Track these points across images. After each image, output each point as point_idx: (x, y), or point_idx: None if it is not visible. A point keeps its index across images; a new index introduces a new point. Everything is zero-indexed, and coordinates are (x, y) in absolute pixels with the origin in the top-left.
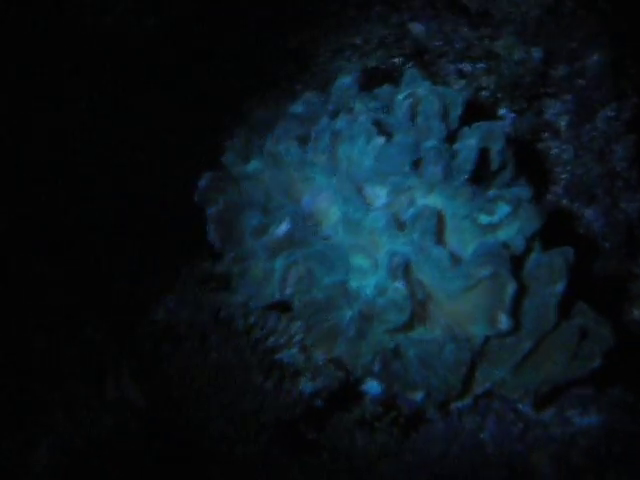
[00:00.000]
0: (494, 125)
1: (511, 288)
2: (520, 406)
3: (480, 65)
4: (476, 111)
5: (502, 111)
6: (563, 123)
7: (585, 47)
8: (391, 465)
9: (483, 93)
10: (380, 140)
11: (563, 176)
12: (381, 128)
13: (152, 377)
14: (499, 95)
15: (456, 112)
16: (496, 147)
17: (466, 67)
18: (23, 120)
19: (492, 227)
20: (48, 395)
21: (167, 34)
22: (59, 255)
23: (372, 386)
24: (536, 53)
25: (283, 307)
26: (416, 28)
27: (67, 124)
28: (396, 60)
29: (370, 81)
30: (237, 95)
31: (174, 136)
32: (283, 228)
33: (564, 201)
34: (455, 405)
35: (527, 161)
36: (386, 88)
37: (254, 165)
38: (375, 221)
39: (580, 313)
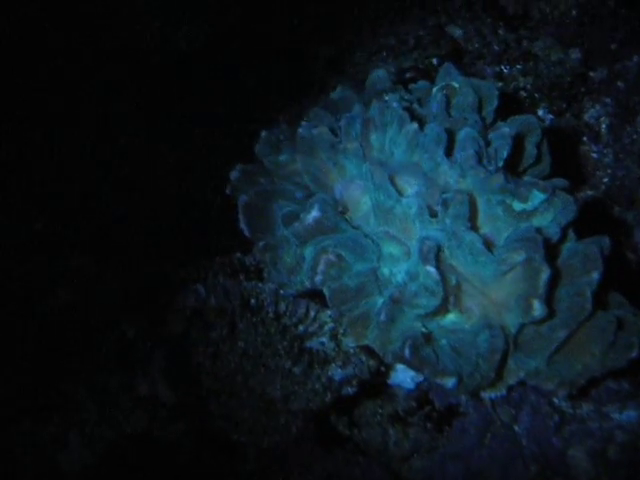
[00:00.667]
0: (530, 118)
1: (545, 274)
2: (556, 400)
3: (518, 67)
4: (514, 112)
5: (540, 112)
6: (603, 126)
7: (625, 48)
8: (425, 460)
9: (521, 94)
10: (413, 127)
11: (604, 180)
12: (414, 117)
13: (183, 370)
14: (537, 96)
15: (492, 105)
16: (532, 140)
17: (504, 69)
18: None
19: (526, 214)
20: (80, 391)
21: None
22: (95, 251)
23: (405, 381)
24: (574, 54)
25: (314, 295)
26: (454, 32)
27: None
28: (433, 60)
29: (406, 79)
30: (275, 103)
31: (212, 139)
32: (313, 214)
33: (605, 205)
34: (488, 395)
35: (566, 163)
36: (421, 83)
37: (286, 155)
38: (407, 208)
39: (616, 304)
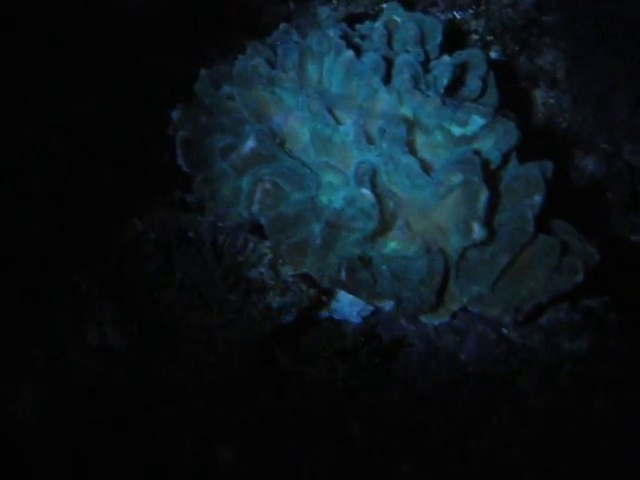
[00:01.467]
0: (475, 51)
1: (483, 195)
2: (505, 330)
3: (470, 12)
4: None
5: (493, 54)
6: (560, 72)
7: None
8: (373, 393)
9: (472, 37)
10: (349, 54)
11: (563, 125)
12: (354, 48)
13: (131, 312)
14: (489, 38)
15: (435, 40)
16: (478, 73)
17: (457, 15)
18: None
19: (466, 139)
20: (30, 343)
21: None
22: (42, 203)
23: (352, 315)
24: None
25: (255, 231)
26: None
27: None
28: (384, 6)
29: (353, 21)
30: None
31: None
32: (249, 144)
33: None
34: (432, 322)
35: (520, 105)
36: (367, 24)
37: (224, 90)
38: (345, 135)
39: (562, 231)
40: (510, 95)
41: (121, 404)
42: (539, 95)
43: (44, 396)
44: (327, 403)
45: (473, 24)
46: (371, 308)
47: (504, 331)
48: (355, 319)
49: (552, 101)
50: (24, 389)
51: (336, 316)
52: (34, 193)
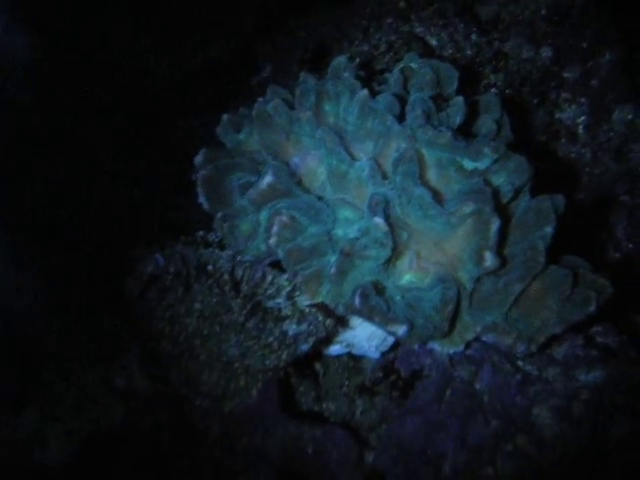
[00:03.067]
0: (490, 95)
1: (495, 225)
2: (520, 362)
3: (489, 67)
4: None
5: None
6: (581, 126)
7: (596, 46)
8: (391, 425)
9: (492, 90)
10: (364, 92)
11: (583, 178)
12: (369, 88)
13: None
14: (507, 92)
15: (452, 87)
16: (492, 115)
17: (477, 70)
18: None
19: (478, 173)
20: (57, 384)
21: None
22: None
23: (370, 350)
24: (545, 52)
25: (274, 265)
26: (428, 39)
27: None
28: None
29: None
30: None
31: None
32: (267, 180)
33: (583, 201)
34: (447, 351)
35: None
36: (385, 75)
37: (245, 132)
38: (360, 171)
39: (573, 263)
40: (528, 147)
41: (146, 444)
42: (559, 148)
43: (71, 442)
44: (346, 436)
45: (492, 78)
46: (389, 343)
47: (518, 362)
48: (373, 354)
49: (573, 155)
50: (51, 435)
51: (354, 351)
52: (58, 229)
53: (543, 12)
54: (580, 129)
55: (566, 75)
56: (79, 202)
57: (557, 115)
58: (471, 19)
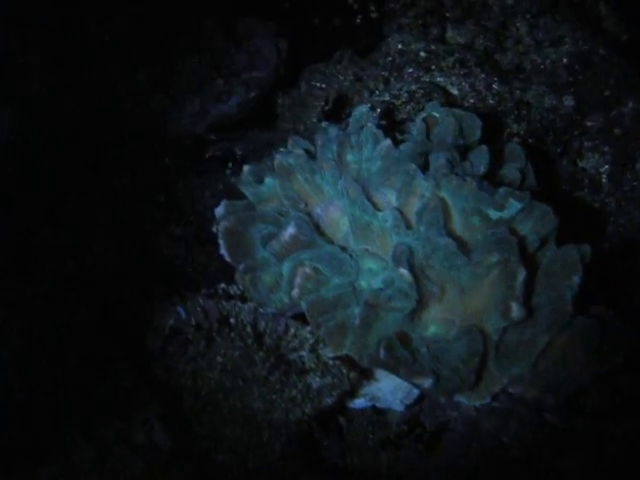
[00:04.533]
0: (514, 145)
1: (521, 275)
2: (548, 415)
3: (512, 117)
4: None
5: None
6: (604, 176)
7: (619, 94)
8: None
9: (514, 140)
10: (387, 142)
11: (608, 227)
12: (392, 137)
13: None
14: (530, 140)
15: (475, 137)
16: (516, 165)
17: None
18: None
19: (503, 223)
20: (76, 439)
21: None
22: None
23: (395, 403)
24: (568, 101)
25: (296, 318)
26: (449, 89)
27: None
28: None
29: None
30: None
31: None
32: (289, 231)
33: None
34: (473, 403)
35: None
36: (408, 124)
37: (267, 183)
38: (383, 221)
39: (600, 312)
40: (552, 196)
41: None
42: (583, 198)
43: None
44: None
45: (515, 127)
46: (414, 395)
47: (546, 414)
48: (398, 407)
49: (597, 204)
50: None
51: (379, 404)
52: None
53: (565, 61)
54: (604, 178)
55: (589, 124)
56: (95, 255)
57: (580, 164)
58: (492, 68)
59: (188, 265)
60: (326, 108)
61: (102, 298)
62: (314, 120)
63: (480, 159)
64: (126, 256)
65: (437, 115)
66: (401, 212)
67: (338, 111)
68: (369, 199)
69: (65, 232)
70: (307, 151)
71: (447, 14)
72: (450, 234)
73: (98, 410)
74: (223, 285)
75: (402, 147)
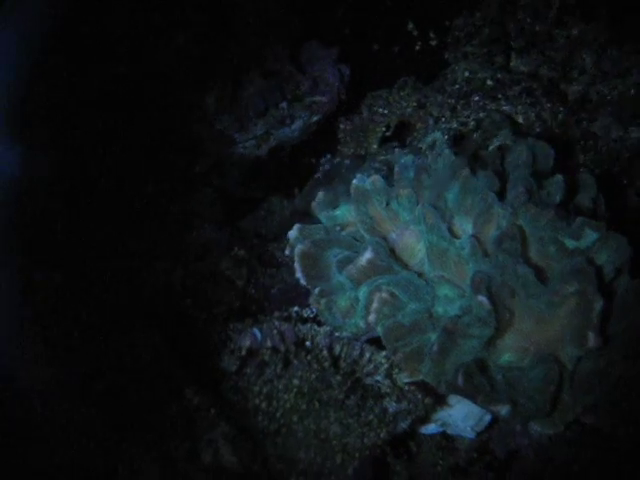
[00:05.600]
0: (586, 174)
1: (598, 305)
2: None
3: (578, 147)
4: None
5: None
6: None
7: None
8: None
9: (581, 170)
10: (466, 170)
11: None
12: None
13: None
14: (597, 171)
15: (547, 165)
16: (588, 194)
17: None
18: None
19: (579, 253)
20: (144, 459)
21: None
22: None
23: (465, 430)
24: (635, 133)
25: (371, 342)
26: (516, 117)
27: None
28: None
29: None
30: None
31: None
32: (366, 256)
33: None
34: (546, 431)
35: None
36: (480, 152)
37: (342, 208)
38: (460, 249)
39: None
40: (620, 226)
41: None
42: None
43: None
44: None
45: (581, 158)
46: (485, 423)
47: (620, 445)
48: (469, 434)
49: None
50: None
51: (449, 431)
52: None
53: (632, 92)
54: None
55: None
56: (162, 277)
57: None
58: (558, 98)
59: (251, 287)
60: (387, 134)
61: (170, 319)
62: (375, 146)
63: (556, 188)
64: (191, 278)
65: (510, 144)
66: (478, 239)
67: (400, 138)
68: (446, 225)
69: (131, 254)
70: (383, 176)
71: (511, 43)
72: (527, 262)
73: (166, 430)
74: (296, 308)
75: (479, 175)
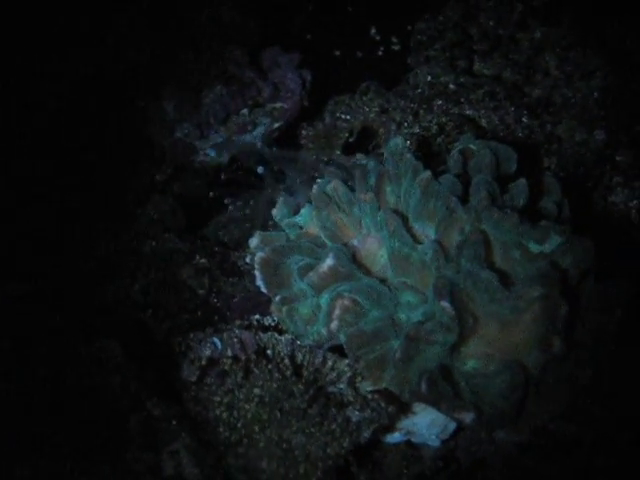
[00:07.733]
0: (550, 177)
1: (563, 310)
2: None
3: (542, 149)
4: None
5: None
6: (634, 210)
7: None
8: None
9: (545, 174)
10: (427, 174)
11: None
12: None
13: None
14: (561, 174)
15: (510, 168)
16: (552, 198)
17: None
18: None
19: (543, 257)
20: (104, 473)
21: None
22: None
23: (430, 438)
24: (599, 135)
25: (333, 350)
26: (479, 121)
27: None
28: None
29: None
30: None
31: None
32: (328, 262)
33: None
34: (512, 439)
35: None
36: (441, 156)
37: (303, 214)
38: (423, 254)
39: None
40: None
41: None
42: (613, 233)
43: None
44: None
45: (545, 161)
46: (450, 430)
47: (585, 451)
48: (434, 442)
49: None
50: None
51: (414, 439)
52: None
53: (595, 95)
54: (633, 213)
55: (619, 159)
56: (120, 286)
57: (610, 199)
58: (522, 101)
59: (213, 296)
60: (350, 140)
61: (128, 327)
62: (338, 152)
63: (519, 192)
64: (152, 287)
65: (473, 147)
66: (441, 244)
67: (363, 144)
68: (408, 231)
69: (88, 261)
70: (344, 182)
71: (474, 47)
72: (491, 267)
73: (127, 442)
74: (257, 316)
75: (441, 179)
